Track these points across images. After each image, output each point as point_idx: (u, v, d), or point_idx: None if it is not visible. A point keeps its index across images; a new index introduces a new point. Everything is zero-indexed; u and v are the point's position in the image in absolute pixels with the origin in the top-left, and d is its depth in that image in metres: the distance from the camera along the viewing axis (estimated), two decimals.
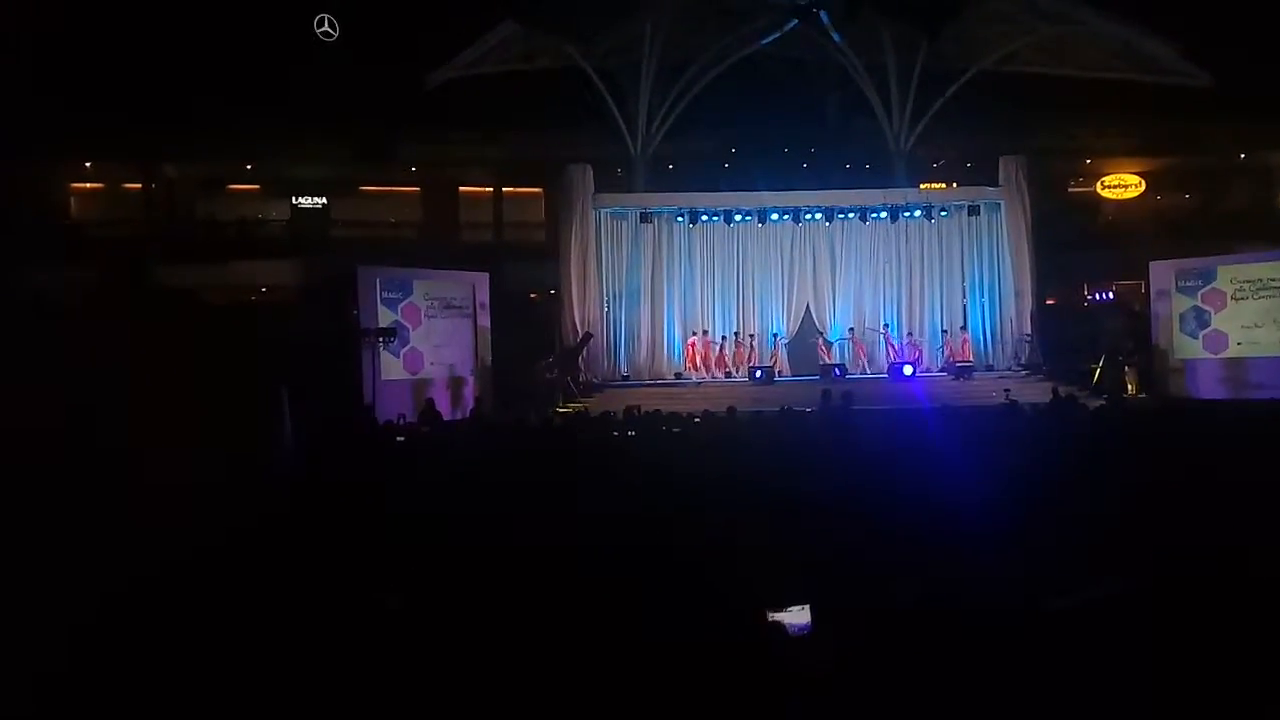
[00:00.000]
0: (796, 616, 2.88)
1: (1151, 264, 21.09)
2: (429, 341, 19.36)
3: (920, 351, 22.77)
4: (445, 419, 16.49)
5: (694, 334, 22.83)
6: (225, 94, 22.25)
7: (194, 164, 26.90)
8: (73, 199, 28.21)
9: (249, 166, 27.74)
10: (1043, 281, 23.01)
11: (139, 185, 27.63)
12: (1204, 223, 25.88)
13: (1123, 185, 28.86)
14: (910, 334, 22.90)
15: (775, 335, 23.08)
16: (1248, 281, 19.72)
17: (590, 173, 23.10)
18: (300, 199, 28.60)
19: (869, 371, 22.59)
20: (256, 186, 28.73)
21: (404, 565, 4.09)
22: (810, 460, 7.28)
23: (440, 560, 4.17)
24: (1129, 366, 19.93)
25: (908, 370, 21.22)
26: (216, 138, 24.62)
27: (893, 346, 22.74)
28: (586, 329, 22.20)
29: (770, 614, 2.87)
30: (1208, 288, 20.09)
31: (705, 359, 22.59)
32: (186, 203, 28.23)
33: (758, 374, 21.43)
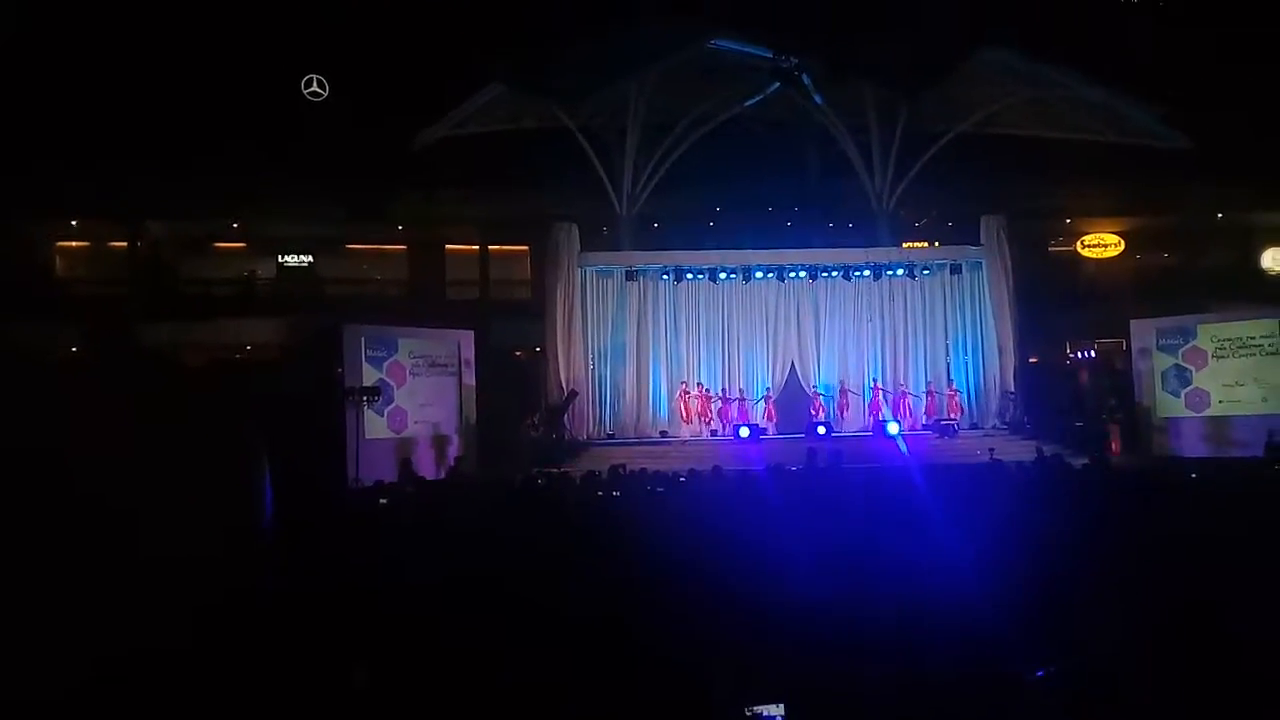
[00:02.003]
0: (774, 710, 2.82)
1: (1132, 322, 21.28)
2: (413, 400, 19.30)
3: (909, 407, 22.83)
4: (427, 479, 16.35)
5: (683, 383, 22.84)
6: (212, 151, 22.38)
7: (180, 222, 26.93)
8: (58, 256, 28.17)
9: (235, 224, 27.80)
10: (1025, 340, 23.16)
11: (124, 243, 27.62)
12: (1183, 282, 26.17)
13: (1102, 245, 29.20)
14: (903, 387, 22.98)
15: (766, 390, 23.10)
16: (1228, 340, 19.90)
17: (576, 231, 23.25)
18: (287, 257, 28.63)
19: (854, 428, 22.58)
20: (243, 244, 28.76)
21: (377, 635, 4.02)
22: (795, 521, 7.23)
23: (415, 630, 4.10)
24: (1112, 424, 20.00)
25: (893, 428, 21.22)
26: (203, 195, 24.69)
27: (881, 403, 22.78)
28: (572, 387, 22.18)
29: (750, 709, 2.82)
30: (1189, 346, 20.26)
31: (700, 411, 22.58)
32: (172, 260, 28.21)
33: (744, 431, 21.40)
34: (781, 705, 2.71)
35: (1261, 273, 28.03)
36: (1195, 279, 26.12)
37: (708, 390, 22.90)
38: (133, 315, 23.38)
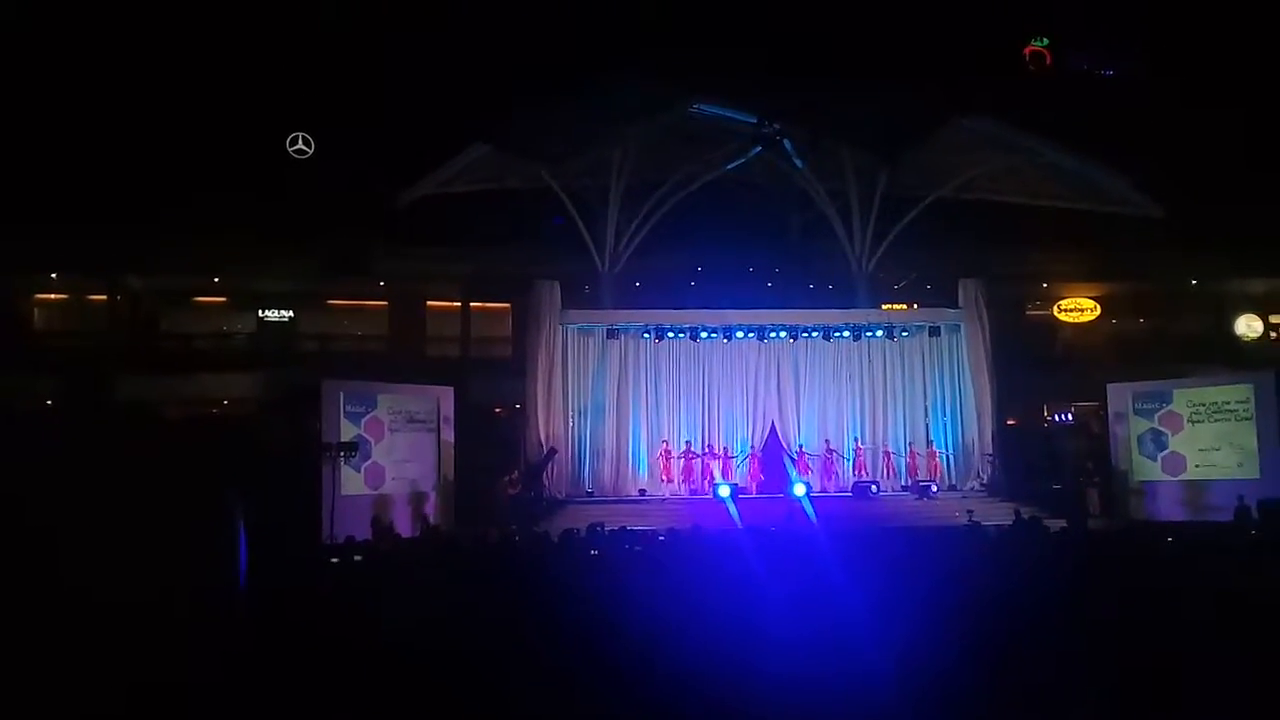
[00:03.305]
0: None
1: (1109, 386, 21.45)
2: (391, 456, 19.18)
3: (890, 466, 22.87)
4: (403, 535, 16.21)
5: (664, 441, 22.80)
6: (195, 206, 22.42)
7: (159, 275, 26.88)
8: (36, 309, 28.02)
9: (216, 279, 27.77)
10: (1003, 402, 23.28)
11: (103, 296, 27.53)
12: (1158, 347, 26.46)
13: (1079, 309, 29.54)
14: (887, 448, 23.03)
15: (749, 449, 23.08)
16: (1203, 404, 20.07)
17: (558, 289, 23.36)
18: (267, 311, 28.59)
19: (835, 489, 22.55)
20: (223, 299, 28.71)
21: (352, 692, 3.96)
22: (773, 581, 7.19)
23: (388, 687, 4.04)
24: (1090, 488, 20.07)
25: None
26: (183, 250, 24.68)
27: (863, 464, 22.81)
28: (551, 444, 22.10)
29: None
30: (1165, 410, 20.42)
31: (684, 470, 22.52)
32: (151, 314, 28.10)
33: (723, 490, 21.29)
34: None
35: (1235, 338, 28.39)
36: (1170, 344, 26.43)
37: (692, 448, 22.86)
38: (110, 368, 23.20)
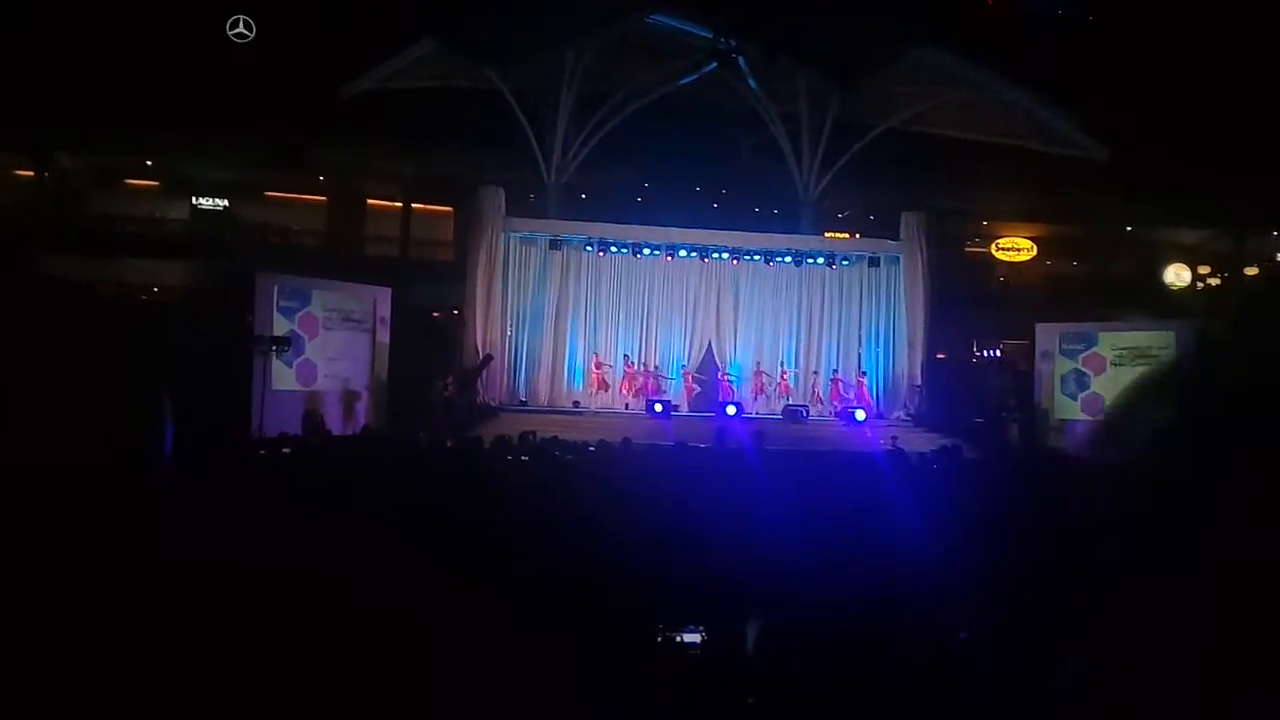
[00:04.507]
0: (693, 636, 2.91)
1: (1037, 325, 21.91)
2: (324, 354, 18.96)
3: (817, 392, 23.29)
4: (334, 433, 16.14)
5: (595, 355, 22.88)
6: (129, 87, 21.56)
7: (90, 155, 25.94)
8: None
9: (149, 162, 26.89)
10: (935, 335, 23.72)
11: (30, 173, 26.53)
12: (1089, 290, 27.04)
13: (1016, 248, 30.00)
14: (837, 373, 23.40)
15: (682, 368, 23.29)
16: (1126, 349, 20.61)
17: (502, 195, 23.07)
18: (201, 199, 27.84)
19: (766, 410, 22.90)
20: (156, 183, 27.86)
21: (272, 581, 3.98)
22: (699, 490, 7.33)
23: (315, 579, 4.07)
24: (1011, 423, 20.62)
25: (805, 414, 21.56)
26: (116, 131, 23.80)
27: (789, 387, 23.19)
28: (488, 351, 22.05)
29: (669, 634, 2.89)
30: (1089, 352, 20.95)
31: (625, 384, 22.65)
32: (80, 194, 27.20)
33: (656, 407, 21.53)
34: (700, 630, 2.79)
35: (1163, 286, 29.11)
36: (1100, 287, 27.01)
37: (632, 363, 22.98)
38: (35, 246, 22.50)
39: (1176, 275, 29.42)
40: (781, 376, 23.36)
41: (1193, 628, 0.45)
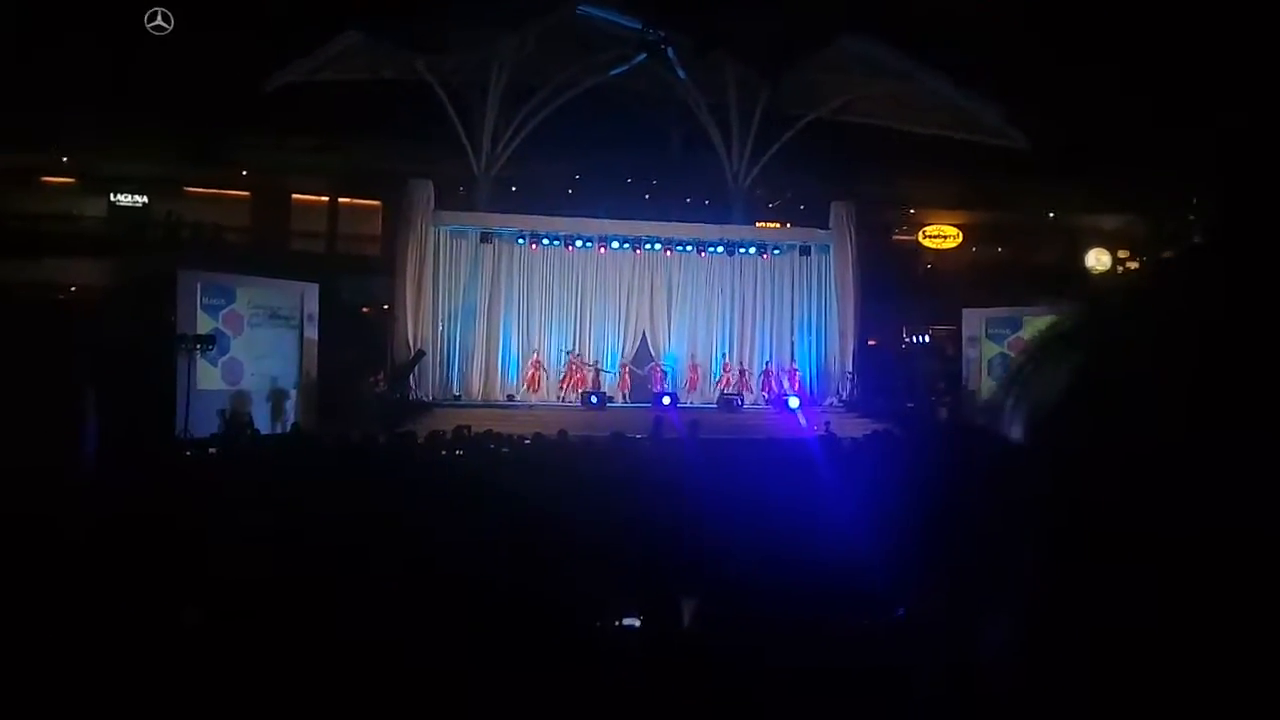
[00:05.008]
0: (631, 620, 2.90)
1: (964, 311, 22.33)
2: (250, 352, 18.58)
3: (747, 381, 23.40)
4: (263, 433, 15.83)
5: (535, 353, 22.73)
6: (43, 79, 20.84)
7: (2, 152, 25.04)
8: None
9: (64, 159, 26.06)
10: (866, 322, 24.04)
11: None
12: (1013, 276, 27.60)
13: (942, 236, 30.52)
14: (744, 365, 23.50)
15: (617, 359, 23.27)
16: None
17: (431, 188, 22.82)
18: (120, 196, 27.07)
19: (701, 401, 22.98)
20: (71, 180, 27.01)
21: (205, 582, 3.87)
22: (638, 484, 7.33)
23: (246, 579, 3.97)
24: (941, 406, 21.01)
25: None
26: (28, 126, 23.00)
27: (729, 378, 23.29)
28: (419, 346, 21.79)
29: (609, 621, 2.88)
30: (1014, 336, 21.40)
31: (570, 378, 22.51)
32: None
33: (592, 399, 21.49)
34: (639, 617, 2.78)
35: (1085, 271, 29.84)
36: (1024, 273, 27.58)
37: (576, 358, 22.82)
38: None
39: (1097, 260, 30.18)
40: (737, 371, 23.36)
41: (1084, 596, 0.44)
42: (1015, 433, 0.57)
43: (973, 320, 22.00)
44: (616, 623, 2.89)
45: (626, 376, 23.11)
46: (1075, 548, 0.48)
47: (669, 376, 23.00)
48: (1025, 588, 0.52)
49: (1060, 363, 0.54)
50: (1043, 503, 0.52)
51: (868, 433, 13.15)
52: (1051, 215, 29.52)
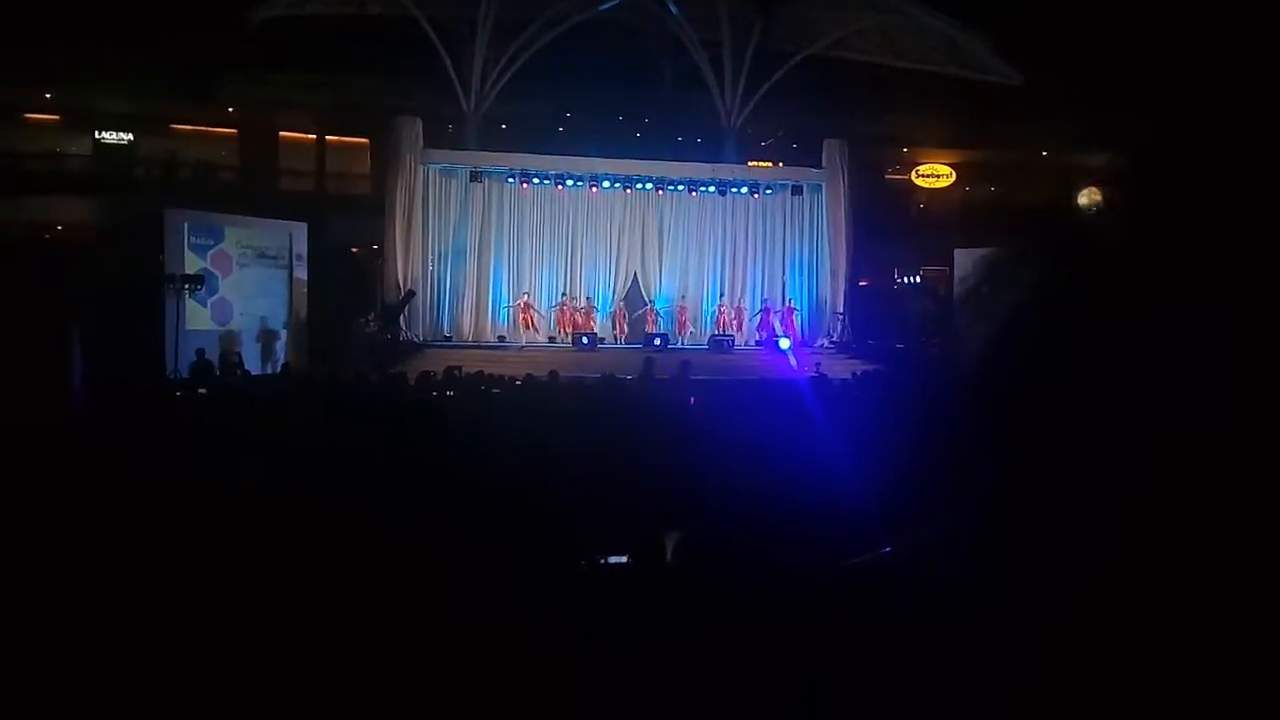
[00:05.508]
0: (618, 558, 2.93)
1: (956, 251, 22.25)
2: (240, 292, 18.51)
3: (742, 321, 23.37)
4: (253, 373, 15.84)
5: (525, 294, 22.66)
6: (25, 14, 20.42)
7: None
8: None
9: (48, 95, 25.65)
10: (857, 263, 23.99)
11: None
12: (1006, 215, 27.49)
13: (935, 175, 30.34)
14: (740, 305, 23.45)
15: (607, 301, 23.20)
16: None
17: (420, 126, 22.53)
18: (104, 133, 26.71)
19: (692, 342, 23.00)
20: (56, 117, 26.61)
21: (194, 522, 3.89)
22: (628, 424, 7.37)
23: (233, 520, 3.99)
24: (931, 347, 21.06)
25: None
26: (13, 62, 22.58)
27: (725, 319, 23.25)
28: (409, 287, 21.70)
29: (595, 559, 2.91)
30: None
31: (538, 327, 22.45)
32: None
33: (583, 340, 21.48)
34: (626, 556, 2.81)
35: (1077, 209, 29.68)
36: (1018, 212, 27.45)
37: (568, 302, 22.74)
38: None
39: (1089, 198, 30.00)
40: (733, 311, 23.31)
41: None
42: (973, 351, 0.58)
43: (965, 261, 21.92)
44: (602, 560, 2.92)
45: (621, 320, 23.06)
46: (1026, 469, 0.49)
47: (661, 319, 22.96)
48: (977, 511, 0.53)
49: (1013, 284, 0.55)
50: (996, 421, 0.53)
51: (857, 373, 13.21)
52: (1044, 154, 29.33)
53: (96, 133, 26.70)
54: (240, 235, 18.67)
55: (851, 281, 23.86)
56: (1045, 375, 0.50)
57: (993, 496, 0.52)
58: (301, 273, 19.51)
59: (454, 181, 22.93)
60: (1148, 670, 0.45)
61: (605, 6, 23.49)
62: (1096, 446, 0.46)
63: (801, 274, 24.14)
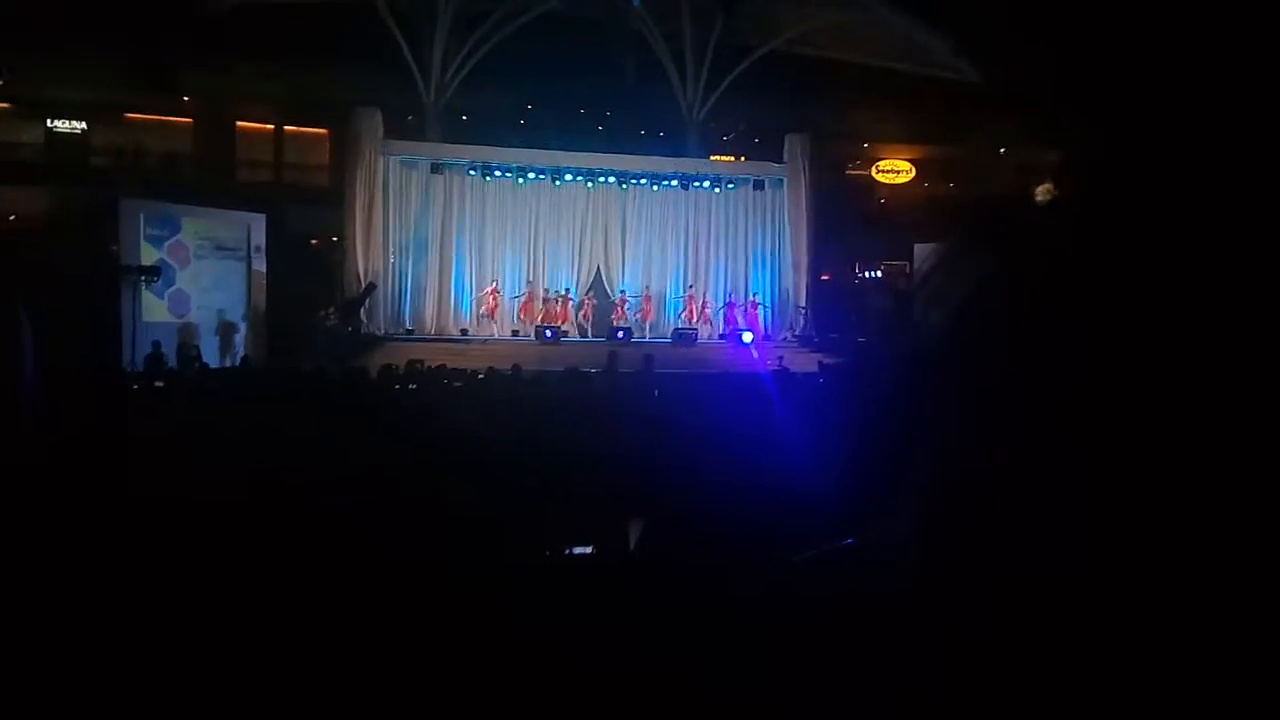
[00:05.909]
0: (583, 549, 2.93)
1: (916, 246, 22.45)
2: (197, 284, 18.27)
3: (707, 315, 23.43)
4: (212, 366, 15.64)
5: (488, 285, 22.54)
6: None
7: None
8: None
9: (0, 83, 25.11)
10: (819, 257, 24.13)
11: None
12: (965, 211, 27.70)
13: (895, 170, 30.54)
14: (706, 298, 23.49)
15: (589, 294, 23.14)
16: None
17: (380, 117, 22.34)
18: (57, 122, 26.20)
19: (656, 335, 23.01)
20: (7, 105, 26.07)
21: (146, 519, 3.85)
22: (591, 417, 7.37)
23: (188, 516, 3.95)
24: (892, 341, 21.27)
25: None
26: None
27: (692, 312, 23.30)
28: (370, 279, 21.53)
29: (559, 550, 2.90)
30: None
31: (499, 313, 22.36)
32: None
33: (547, 333, 21.43)
34: (589, 546, 2.81)
35: (1034, 205, 30.03)
36: (972, 207, 27.67)
37: (544, 290, 22.66)
38: None
39: (1046, 194, 30.39)
40: (700, 305, 23.33)
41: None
42: (929, 334, 0.60)
43: (925, 255, 22.11)
44: (567, 551, 2.92)
45: (588, 309, 23.00)
46: (966, 458, 0.51)
47: (627, 312, 22.94)
48: (921, 503, 0.55)
49: (966, 269, 0.57)
50: (940, 411, 0.54)
51: (823, 363, 13.30)
52: (1002, 150, 29.63)
53: (49, 121, 26.18)
54: (198, 226, 18.43)
55: (813, 276, 24.00)
56: (983, 366, 0.51)
57: (934, 487, 0.54)
58: (260, 265, 19.29)
59: (415, 173, 22.78)
60: (1084, 666, 0.46)
61: None
62: (1037, 436, 0.48)
63: (764, 268, 24.25)
